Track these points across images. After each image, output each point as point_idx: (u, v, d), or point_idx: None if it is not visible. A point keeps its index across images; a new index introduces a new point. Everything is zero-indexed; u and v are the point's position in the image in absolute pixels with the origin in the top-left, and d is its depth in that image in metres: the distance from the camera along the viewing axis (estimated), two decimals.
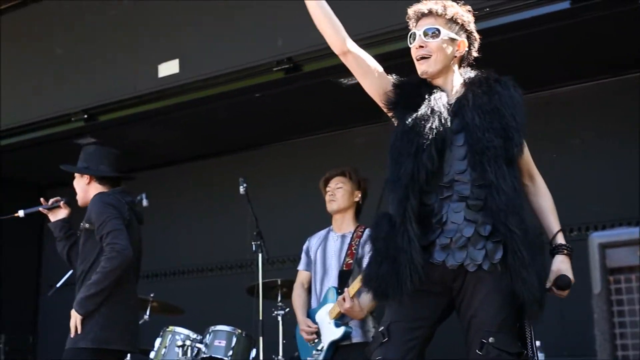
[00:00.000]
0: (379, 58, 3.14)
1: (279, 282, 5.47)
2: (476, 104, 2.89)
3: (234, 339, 5.43)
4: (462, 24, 3.01)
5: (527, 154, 3.00)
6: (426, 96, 2.91)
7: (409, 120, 2.87)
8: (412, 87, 2.99)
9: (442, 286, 2.86)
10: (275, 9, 5.92)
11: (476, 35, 3.08)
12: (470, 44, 3.06)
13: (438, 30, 2.96)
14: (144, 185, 6.90)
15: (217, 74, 6.17)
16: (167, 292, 6.65)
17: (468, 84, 2.99)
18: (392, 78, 3.05)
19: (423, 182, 2.80)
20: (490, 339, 2.73)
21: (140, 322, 5.98)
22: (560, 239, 2.92)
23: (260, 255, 5.18)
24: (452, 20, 2.99)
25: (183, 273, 7.70)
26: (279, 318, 5.38)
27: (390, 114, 3.03)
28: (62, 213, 4.57)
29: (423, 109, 2.87)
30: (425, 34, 2.96)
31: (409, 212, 2.78)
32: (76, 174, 4.53)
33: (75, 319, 4.15)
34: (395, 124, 2.97)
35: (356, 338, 4.57)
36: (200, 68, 6.24)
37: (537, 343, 2.91)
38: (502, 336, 2.75)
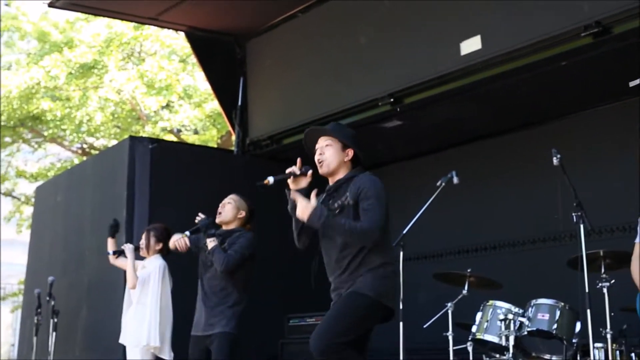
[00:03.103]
0: None
1: (602, 254, 5.32)
2: None
3: (558, 312, 5.37)
4: None
5: None
6: None
7: None
8: None
9: None
10: None
11: None
12: None
13: None
14: (452, 163, 7.05)
15: (521, 46, 6.10)
16: (483, 267, 6.70)
17: None
18: None
19: None
20: None
21: (458, 297, 6.14)
22: None
23: (582, 226, 5.05)
24: None
25: (494, 248, 7.70)
26: (604, 290, 5.22)
27: None
28: (304, 182, 4.38)
29: None
30: None
31: None
32: (335, 144, 4.39)
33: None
34: None
35: None
36: (503, 42, 6.21)
37: None
38: None
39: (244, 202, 5.95)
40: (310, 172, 4.37)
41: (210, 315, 5.71)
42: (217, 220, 5.88)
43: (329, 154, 4.38)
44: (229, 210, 5.85)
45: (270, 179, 4.30)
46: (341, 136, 4.41)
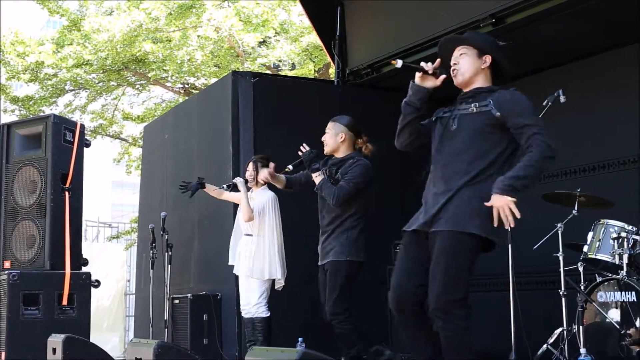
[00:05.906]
0: None
1: None
2: None
3: None
4: None
5: None
6: None
7: None
8: None
9: None
10: None
11: None
12: None
13: None
14: (559, 81, 6.89)
15: None
16: (593, 186, 6.57)
17: None
18: None
19: None
20: None
21: (568, 217, 6.06)
22: None
23: None
24: None
25: (603, 167, 7.51)
26: None
27: None
28: (430, 82, 4.13)
29: None
30: None
31: None
32: (469, 51, 4.13)
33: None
34: None
35: None
36: None
37: None
38: None
39: (340, 123, 5.80)
40: (442, 77, 4.09)
41: (325, 244, 5.73)
42: (325, 152, 5.83)
43: (463, 62, 4.11)
44: (329, 138, 5.78)
45: (399, 62, 4.10)
46: (475, 42, 4.14)
